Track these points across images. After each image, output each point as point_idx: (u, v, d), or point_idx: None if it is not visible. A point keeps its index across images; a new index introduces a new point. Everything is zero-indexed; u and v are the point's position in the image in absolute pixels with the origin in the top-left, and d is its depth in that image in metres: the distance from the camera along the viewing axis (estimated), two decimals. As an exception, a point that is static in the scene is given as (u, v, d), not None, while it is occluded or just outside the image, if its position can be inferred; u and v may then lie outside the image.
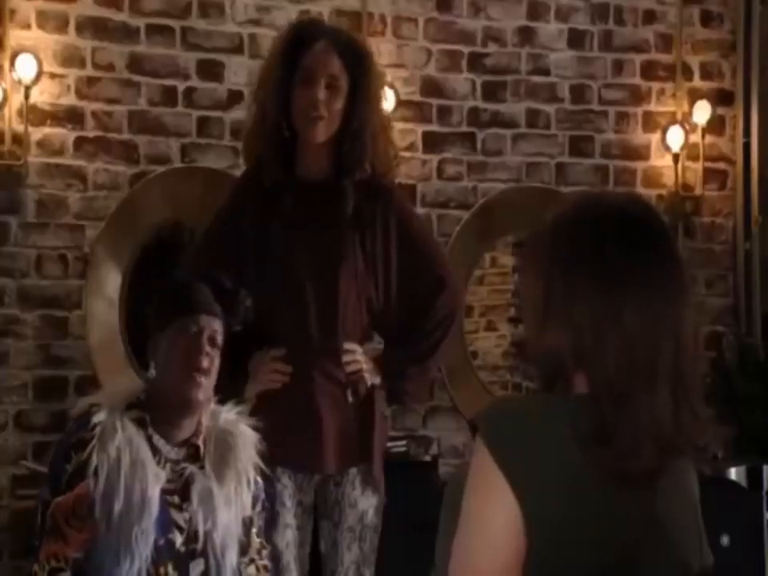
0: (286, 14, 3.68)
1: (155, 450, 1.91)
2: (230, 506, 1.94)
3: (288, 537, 2.20)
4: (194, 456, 1.96)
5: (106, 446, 1.85)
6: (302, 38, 2.31)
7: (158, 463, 1.90)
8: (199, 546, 1.92)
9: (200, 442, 1.96)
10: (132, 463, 1.86)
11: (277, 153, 2.29)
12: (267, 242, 2.28)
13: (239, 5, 3.65)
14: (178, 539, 1.90)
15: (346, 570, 2.30)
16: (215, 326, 1.97)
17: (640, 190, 3.97)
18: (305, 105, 2.27)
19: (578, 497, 1.16)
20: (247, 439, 2.00)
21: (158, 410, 1.94)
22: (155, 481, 1.88)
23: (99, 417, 1.87)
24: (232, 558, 1.94)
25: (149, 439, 1.91)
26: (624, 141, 3.98)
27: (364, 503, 2.31)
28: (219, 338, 1.97)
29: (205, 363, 1.94)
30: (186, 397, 1.95)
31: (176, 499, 1.92)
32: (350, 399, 2.27)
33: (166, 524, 1.90)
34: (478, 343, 3.80)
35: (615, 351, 1.15)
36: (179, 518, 1.91)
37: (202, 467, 1.95)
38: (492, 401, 1.30)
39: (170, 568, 1.90)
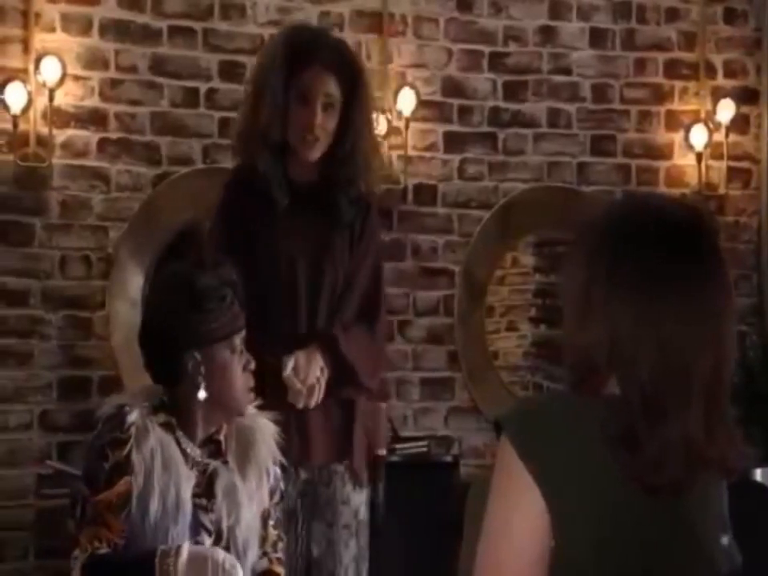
0: (306, 15, 3.69)
1: (183, 453, 1.91)
2: (252, 501, 1.95)
3: None
4: (217, 451, 1.95)
5: (141, 446, 1.84)
6: (299, 52, 2.33)
7: (186, 464, 1.90)
8: (222, 544, 1.91)
9: (222, 437, 1.96)
10: (164, 465, 1.85)
11: (270, 155, 2.33)
12: (258, 237, 2.33)
13: (260, 6, 3.67)
14: (207, 542, 1.90)
15: (346, 568, 2.30)
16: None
17: (663, 189, 3.95)
18: (301, 126, 2.31)
19: (604, 497, 1.15)
20: (267, 432, 2.01)
21: (185, 414, 1.93)
22: (187, 483, 1.88)
23: (132, 417, 1.86)
24: (253, 554, 1.94)
25: (177, 442, 1.90)
26: (646, 140, 3.96)
27: (356, 499, 2.34)
28: None
29: (253, 382, 1.97)
30: (238, 412, 1.95)
31: (203, 501, 1.91)
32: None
33: (195, 527, 1.90)
34: (498, 343, 3.80)
35: (651, 357, 1.13)
36: (206, 519, 1.91)
37: (225, 462, 1.95)
38: (517, 400, 1.31)
39: None
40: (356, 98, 2.33)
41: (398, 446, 3.47)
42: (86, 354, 3.42)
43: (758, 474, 3.41)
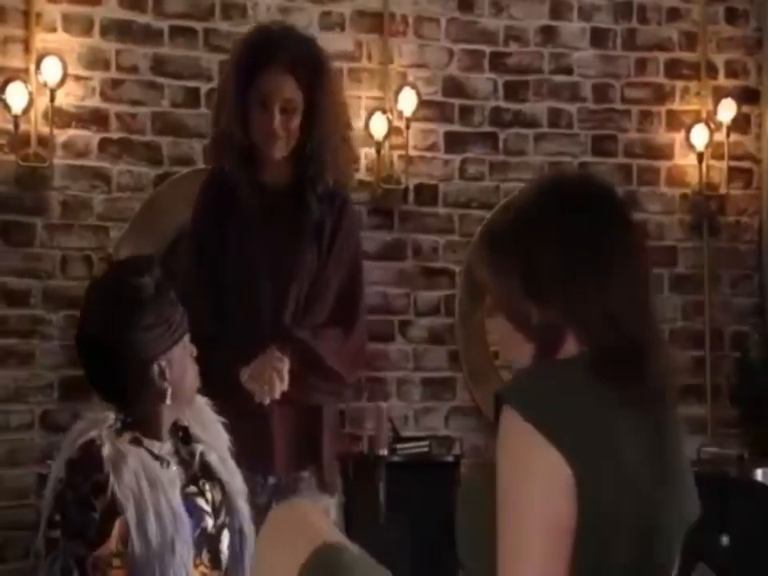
0: (307, 15, 3.69)
1: (157, 458, 1.90)
2: (225, 462, 1.96)
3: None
4: (185, 437, 1.96)
5: (122, 477, 1.80)
6: (257, 54, 2.34)
7: (163, 467, 1.89)
8: (221, 517, 1.93)
9: (186, 422, 1.96)
10: (150, 483, 1.83)
11: (238, 160, 2.34)
12: (228, 240, 2.34)
13: (261, 6, 3.67)
14: (209, 523, 1.91)
15: None
16: None
17: (664, 189, 3.95)
18: (261, 128, 2.33)
19: (615, 445, 1.23)
20: (201, 402, 2.01)
21: (149, 420, 1.91)
22: (173, 487, 1.87)
23: (106, 451, 1.80)
24: (245, 510, 1.95)
25: (148, 451, 1.89)
26: (647, 140, 3.96)
27: (323, 505, 2.34)
28: None
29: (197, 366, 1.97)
30: (193, 398, 1.96)
31: (194, 488, 1.92)
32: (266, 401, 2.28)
33: (196, 517, 1.90)
34: (499, 343, 3.79)
35: (612, 307, 1.28)
36: (203, 502, 1.92)
37: (195, 442, 1.96)
38: (513, 375, 1.33)
39: (204, 554, 1.90)
40: (319, 95, 2.32)
41: (399, 446, 3.47)
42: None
43: (759, 474, 3.40)
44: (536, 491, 1.20)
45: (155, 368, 1.86)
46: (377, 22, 3.73)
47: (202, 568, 1.89)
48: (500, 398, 1.25)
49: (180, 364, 1.90)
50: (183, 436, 1.96)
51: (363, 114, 3.68)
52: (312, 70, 2.34)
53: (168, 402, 1.89)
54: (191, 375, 1.93)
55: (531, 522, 1.19)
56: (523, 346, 1.31)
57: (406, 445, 3.51)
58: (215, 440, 1.99)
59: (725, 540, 3.04)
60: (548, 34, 3.90)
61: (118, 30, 3.53)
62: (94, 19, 3.52)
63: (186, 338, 1.92)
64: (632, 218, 1.37)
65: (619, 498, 1.23)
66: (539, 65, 3.89)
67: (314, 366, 2.32)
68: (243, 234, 2.36)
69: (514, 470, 1.21)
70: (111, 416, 1.87)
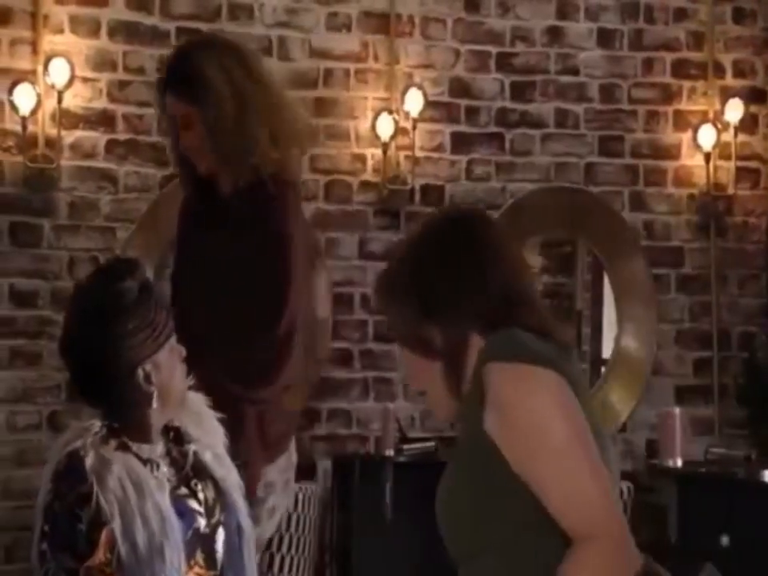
0: (314, 16, 3.70)
1: (146, 462, 1.87)
2: (220, 458, 1.95)
3: None
4: (177, 438, 1.94)
5: (107, 485, 1.77)
6: (160, 84, 2.43)
7: (152, 471, 1.87)
8: (216, 516, 1.91)
9: (177, 422, 1.94)
10: (137, 489, 1.80)
11: (186, 174, 2.42)
12: (180, 249, 2.44)
13: (268, 7, 3.67)
14: (202, 523, 1.89)
15: None
16: None
17: (671, 189, 3.95)
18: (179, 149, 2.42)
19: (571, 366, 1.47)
20: (199, 401, 2.01)
21: (136, 425, 1.88)
22: (161, 490, 1.84)
23: (89, 462, 1.78)
24: (242, 505, 1.93)
25: (136, 456, 1.86)
26: (654, 140, 3.95)
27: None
28: None
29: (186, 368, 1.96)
30: (182, 402, 1.93)
31: (184, 490, 1.89)
32: None
33: (188, 518, 1.87)
34: (506, 343, 3.79)
35: (503, 294, 1.48)
36: (194, 503, 1.89)
37: (188, 442, 1.94)
38: (497, 343, 1.44)
39: (198, 555, 1.88)
40: (200, 101, 2.33)
41: (405, 446, 3.47)
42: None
43: (767, 476, 3.39)
44: (559, 404, 1.35)
45: (140, 372, 1.84)
46: (383, 23, 3.74)
47: (196, 569, 1.87)
48: (502, 356, 1.38)
49: (167, 367, 1.87)
50: (175, 437, 1.94)
51: (369, 114, 3.69)
52: (185, 81, 2.36)
53: (155, 405, 1.86)
54: (179, 377, 1.90)
55: (568, 433, 1.32)
56: (431, 369, 1.46)
57: (413, 445, 3.51)
58: (210, 436, 1.97)
59: (725, 540, 3.04)
60: (554, 35, 3.90)
61: (125, 31, 3.54)
62: (101, 21, 3.53)
63: (173, 339, 1.89)
64: (489, 226, 1.55)
65: (590, 410, 1.42)
66: (546, 65, 3.89)
67: None
68: (189, 242, 2.43)
69: (529, 401, 1.34)
70: (97, 424, 1.85)
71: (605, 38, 3.95)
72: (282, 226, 2.34)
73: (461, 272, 1.46)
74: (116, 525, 1.76)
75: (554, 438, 1.32)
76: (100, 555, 1.75)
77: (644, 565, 1.50)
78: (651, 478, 3.66)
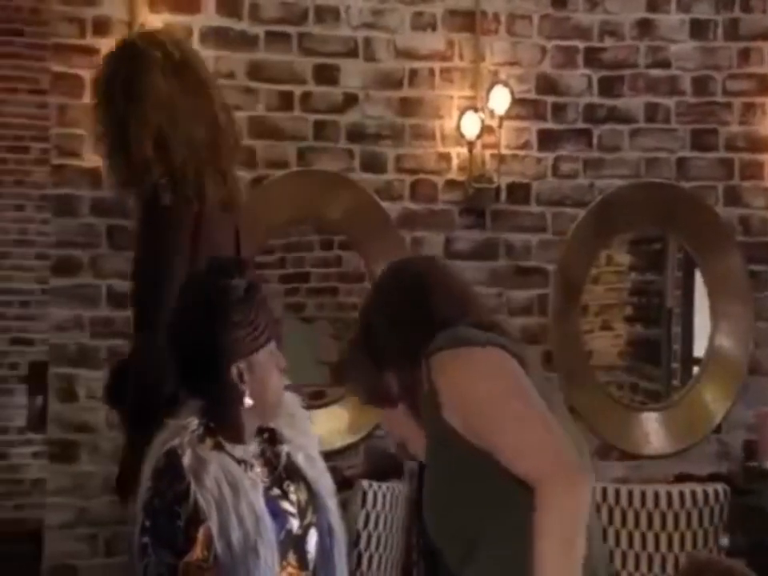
0: (399, 16, 3.71)
1: (240, 462, 1.92)
2: (313, 463, 1.97)
3: None
4: (271, 438, 1.98)
5: (204, 484, 1.83)
6: None
7: (246, 471, 1.91)
8: (308, 518, 1.94)
9: (272, 424, 1.97)
10: (233, 489, 1.85)
11: None
12: None
13: (354, 9, 3.70)
14: (294, 524, 1.93)
15: None
16: None
17: (768, 183, 3.84)
18: None
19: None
20: (293, 403, 2.02)
21: (229, 424, 1.93)
22: (255, 490, 1.89)
23: (186, 460, 1.84)
24: (334, 509, 1.97)
25: (230, 456, 1.91)
26: (750, 132, 3.84)
27: None
28: None
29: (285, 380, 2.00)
30: (274, 413, 1.97)
31: (276, 491, 1.93)
32: None
33: (280, 519, 1.92)
34: (593, 343, 3.75)
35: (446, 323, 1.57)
36: (288, 505, 1.93)
37: (281, 443, 1.97)
38: (443, 340, 1.51)
39: (290, 556, 1.92)
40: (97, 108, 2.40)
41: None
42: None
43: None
44: (498, 366, 1.45)
45: (234, 370, 1.88)
46: (468, 21, 3.72)
47: (289, 569, 1.92)
48: (444, 346, 1.47)
49: (262, 369, 1.90)
50: (269, 437, 1.97)
51: (455, 113, 3.69)
52: (93, 90, 2.44)
53: (246, 405, 1.90)
54: (275, 382, 1.93)
55: (507, 386, 1.41)
56: (399, 414, 1.56)
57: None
58: (304, 438, 2.00)
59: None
60: (644, 28, 3.82)
61: (215, 37, 3.61)
62: (192, 28, 3.61)
63: (273, 344, 1.92)
64: (427, 266, 1.66)
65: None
66: (635, 59, 3.81)
67: None
68: None
69: (471, 373, 1.44)
70: (194, 422, 1.90)
71: (698, 29, 3.85)
72: (144, 228, 2.39)
73: (400, 317, 1.56)
74: (212, 523, 1.81)
75: (495, 391, 1.41)
76: (198, 552, 1.82)
77: (736, 569, 1.50)
78: (748, 479, 3.57)
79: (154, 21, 3.57)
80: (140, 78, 2.34)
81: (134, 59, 2.38)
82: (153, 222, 2.33)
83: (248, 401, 1.90)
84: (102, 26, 3.55)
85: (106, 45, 3.53)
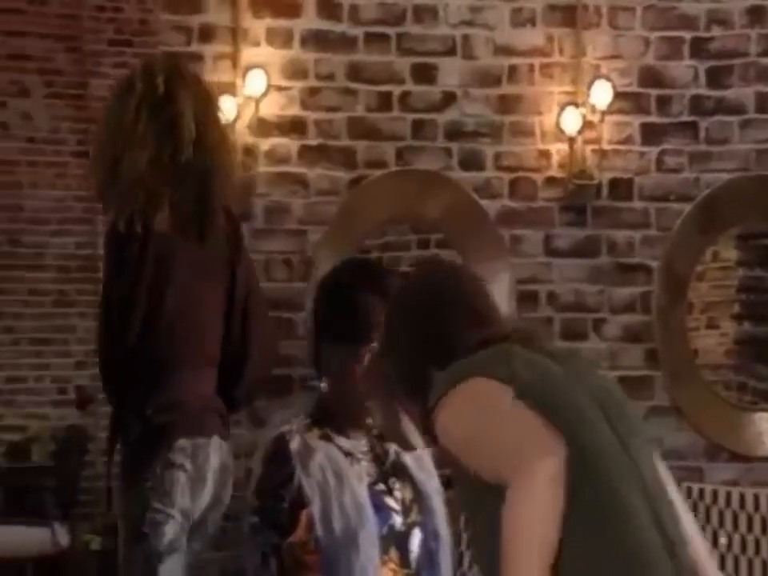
0: (498, 13, 3.69)
1: (348, 454, 1.95)
2: (420, 463, 1.99)
3: None
4: (381, 435, 1.99)
5: (309, 470, 1.89)
6: None
7: (352, 464, 1.94)
8: (412, 516, 1.96)
9: None
10: (337, 478, 1.89)
11: None
12: None
13: (452, 7, 3.70)
14: (398, 521, 1.95)
15: None
16: None
17: None
18: None
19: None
20: None
21: (337, 420, 1.97)
22: (360, 483, 1.92)
23: (294, 446, 1.91)
24: (441, 512, 1.98)
25: (338, 448, 1.95)
26: None
27: None
28: None
29: None
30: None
31: (381, 486, 1.95)
32: None
33: (383, 514, 1.94)
34: (699, 341, 3.64)
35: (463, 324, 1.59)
36: (391, 500, 1.95)
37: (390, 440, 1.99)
38: (444, 377, 1.50)
39: (392, 552, 1.94)
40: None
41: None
42: (288, 353, 3.58)
43: None
44: (472, 396, 1.44)
45: (325, 355, 1.95)
46: (569, 15, 3.67)
47: (390, 565, 1.93)
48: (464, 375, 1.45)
49: (347, 365, 1.92)
50: (378, 434, 1.99)
51: (555, 109, 3.64)
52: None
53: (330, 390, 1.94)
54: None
55: (492, 412, 1.41)
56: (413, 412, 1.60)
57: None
58: (414, 438, 1.96)
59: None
60: (755, 15, 3.69)
61: (316, 39, 3.66)
62: (294, 31, 3.68)
63: (367, 348, 1.93)
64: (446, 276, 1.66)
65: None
66: (746, 48, 3.69)
67: None
68: None
69: (453, 413, 1.43)
70: (303, 413, 1.97)
71: (813, 15, 3.69)
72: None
73: (422, 337, 1.57)
74: (315, 508, 1.86)
75: (470, 431, 1.41)
76: (300, 534, 1.87)
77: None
78: None
79: (257, 26, 3.65)
80: (112, 106, 2.44)
81: (120, 88, 2.47)
82: (105, 247, 2.42)
83: (324, 385, 1.97)
84: (207, 33, 3.65)
85: (211, 51, 3.64)
